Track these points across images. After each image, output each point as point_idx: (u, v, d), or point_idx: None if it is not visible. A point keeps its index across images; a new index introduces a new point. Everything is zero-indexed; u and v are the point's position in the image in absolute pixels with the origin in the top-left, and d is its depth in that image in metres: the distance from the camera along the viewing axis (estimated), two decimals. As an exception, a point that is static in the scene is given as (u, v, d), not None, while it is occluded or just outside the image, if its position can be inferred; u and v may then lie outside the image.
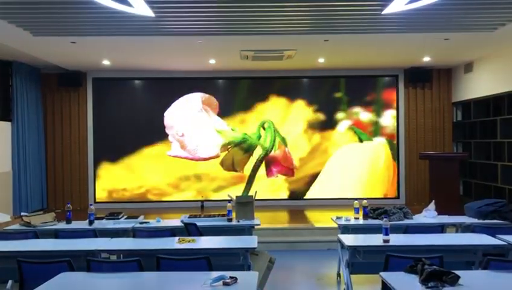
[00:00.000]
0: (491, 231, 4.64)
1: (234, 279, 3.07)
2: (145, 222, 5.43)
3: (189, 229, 4.99)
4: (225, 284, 3.01)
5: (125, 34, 6.64)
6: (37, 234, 4.81)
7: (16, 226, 5.35)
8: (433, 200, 5.88)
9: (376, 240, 4.29)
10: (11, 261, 3.66)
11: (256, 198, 5.72)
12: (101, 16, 5.75)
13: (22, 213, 5.92)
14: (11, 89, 8.66)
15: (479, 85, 8.75)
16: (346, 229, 5.27)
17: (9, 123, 8.61)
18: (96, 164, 9.76)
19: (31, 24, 6.15)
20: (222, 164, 9.69)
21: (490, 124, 8.55)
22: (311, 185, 9.75)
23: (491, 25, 6.38)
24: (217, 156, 9.65)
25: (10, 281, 4.15)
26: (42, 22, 6.03)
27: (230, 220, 5.43)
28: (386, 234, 4.21)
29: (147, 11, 5.48)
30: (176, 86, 9.71)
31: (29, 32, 6.49)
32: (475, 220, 5.36)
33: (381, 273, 3.31)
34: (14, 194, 8.59)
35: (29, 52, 7.76)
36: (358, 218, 5.48)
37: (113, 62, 8.71)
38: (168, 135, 9.60)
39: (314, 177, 9.76)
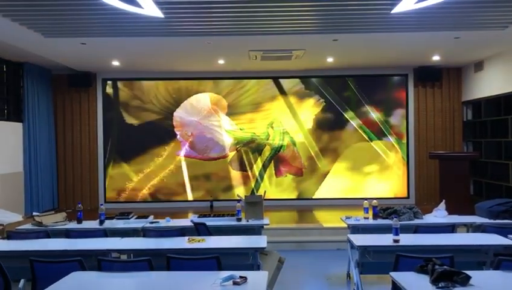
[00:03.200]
0: (503, 230, 4.61)
1: (244, 279, 3.07)
2: (155, 222, 5.46)
3: (199, 229, 5.01)
4: (235, 283, 3.02)
5: (135, 35, 6.68)
6: (48, 234, 4.86)
7: (27, 226, 5.41)
8: (444, 200, 5.84)
9: (386, 240, 4.27)
10: (24, 261, 3.70)
11: (265, 198, 5.72)
12: (110, 17, 5.80)
13: (34, 213, 5.98)
14: (22, 90, 8.76)
15: (490, 84, 8.67)
16: (356, 229, 5.26)
17: (20, 124, 8.70)
18: (106, 164, 9.83)
19: (42, 25, 6.21)
20: (231, 163, 9.72)
21: (501, 123, 8.47)
22: (320, 185, 9.73)
23: (502, 23, 6.33)
24: (226, 156, 9.68)
25: (22, 280, 4.19)
26: (53, 23, 6.09)
27: (239, 219, 5.44)
28: (396, 234, 4.19)
29: (156, 12, 5.51)
30: (185, 86, 9.75)
31: (40, 34, 6.55)
32: (486, 220, 5.32)
33: (392, 273, 3.30)
34: (25, 194, 8.68)
35: (40, 53, 7.84)
36: (368, 218, 5.46)
37: (122, 63, 8.76)
38: (177, 135, 9.64)
39: (323, 176, 9.74)
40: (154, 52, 7.87)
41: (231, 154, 9.70)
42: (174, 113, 9.58)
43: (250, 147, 9.74)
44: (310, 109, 9.77)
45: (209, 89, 9.74)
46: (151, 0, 5.13)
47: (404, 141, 9.76)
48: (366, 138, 9.74)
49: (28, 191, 8.69)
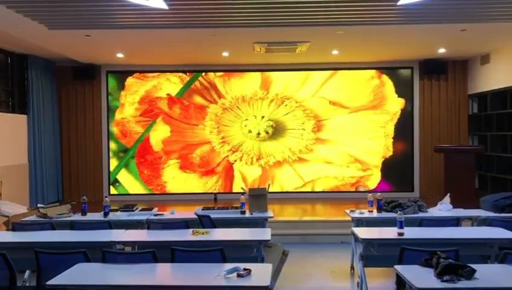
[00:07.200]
0: (508, 224, 4.59)
1: (248, 271, 3.08)
2: (159, 214, 5.47)
3: (203, 222, 5.02)
4: (239, 276, 3.03)
5: (139, 27, 6.65)
6: (53, 226, 4.88)
7: (32, 218, 5.43)
8: (448, 193, 5.82)
9: (390, 233, 4.26)
10: (29, 252, 3.73)
11: (269, 190, 5.72)
12: (115, 8, 5.78)
13: (39, 205, 6.01)
14: (26, 82, 8.77)
15: (496, 77, 8.61)
16: (360, 222, 5.26)
17: (25, 116, 8.72)
18: (111, 156, 9.83)
19: (47, 17, 6.20)
20: (234, 156, 9.74)
21: (507, 116, 8.41)
22: (325, 176, 9.72)
23: (509, 15, 6.26)
24: (230, 149, 9.70)
25: (28, 271, 4.22)
26: (57, 15, 6.07)
27: (243, 212, 5.44)
28: (401, 227, 4.18)
29: (160, 4, 5.48)
30: (189, 78, 9.74)
31: (44, 26, 6.54)
32: (491, 214, 5.29)
33: (396, 266, 3.29)
34: (30, 186, 8.72)
35: (45, 45, 7.83)
36: (372, 211, 5.45)
37: (126, 55, 8.75)
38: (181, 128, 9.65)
39: (328, 169, 9.73)
40: (158, 45, 7.85)
41: (234, 147, 9.73)
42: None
43: (252, 138, 9.74)
44: (316, 102, 9.72)
45: (212, 81, 9.72)
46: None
47: (409, 134, 9.71)
48: (370, 131, 9.69)
49: (32, 183, 8.73)
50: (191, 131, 9.75)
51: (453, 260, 3.13)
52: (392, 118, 9.69)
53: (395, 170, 9.69)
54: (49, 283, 3.03)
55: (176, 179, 9.76)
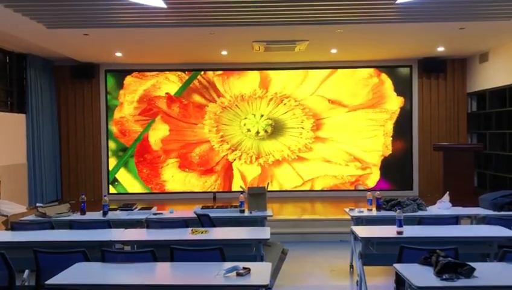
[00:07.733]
0: (507, 222, 4.59)
1: (247, 270, 3.08)
2: (159, 213, 5.47)
3: (202, 220, 5.02)
4: (238, 274, 3.03)
5: (137, 26, 6.64)
6: (52, 225, 4.87)
7: (31, 217, 5.43)
8: (448, 192, 5.82)
9: (389, 231, 4.26)
10: (28, 252, 3.72)
11: (268, 189, 5.72)
12: (113, 7, 5.77)
13: (38, 204, 6.00)
14: (25, 81, 8.75)
15: (495, 75, 8.61)
16: (360, 220, 5.26)
17: (24, 115, 8.70)
18: (110, 155, 9.82)
19: (45, 16, 6.19)
20: (233, 154, 9.73)
21: (506, 114, 8.41)
22: (325, 175, 9.72)
23: (508, 14, 6.26)
24: (230, 148, 9.68)
25: (27, 271, 4.22)
26: (56, 14, 6.06)
27: (242, 211, 5.44)
28: (400, 226, 4.18)
29: (158, 2, 5.48)
30: (188, 77, 9.72)
31: (43, 25, 6.53)
32: (490, 212, 5.29)
33: (395, 264, 3.30)
34: (29, 185, 8.70)
35: (43, 44, 7.81)
36: (371, 209, 5.46)
37: (125, 54, 8.73)
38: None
39: (328, 167, 9.73)
40: (157, 43, 7.83)
41: (234, 146, 9.71)
42: (177, 105, 9.58)
43: (249, 137, 9.73)
44: (315, 101, 9.71)
45: (211, 80, 9.71)
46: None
47: (408, 132, 9.72)
48: (369, 130, 9.69)
49: (31, 183, 8.72)
50: (190, 130, 9.75)
51: (452, 259, 3.13)
52: (391, 116, 9.70)
53: (394, 169, 9.71)
54: (48, 282, 3.03)
55: (175, 178, 9.77)
